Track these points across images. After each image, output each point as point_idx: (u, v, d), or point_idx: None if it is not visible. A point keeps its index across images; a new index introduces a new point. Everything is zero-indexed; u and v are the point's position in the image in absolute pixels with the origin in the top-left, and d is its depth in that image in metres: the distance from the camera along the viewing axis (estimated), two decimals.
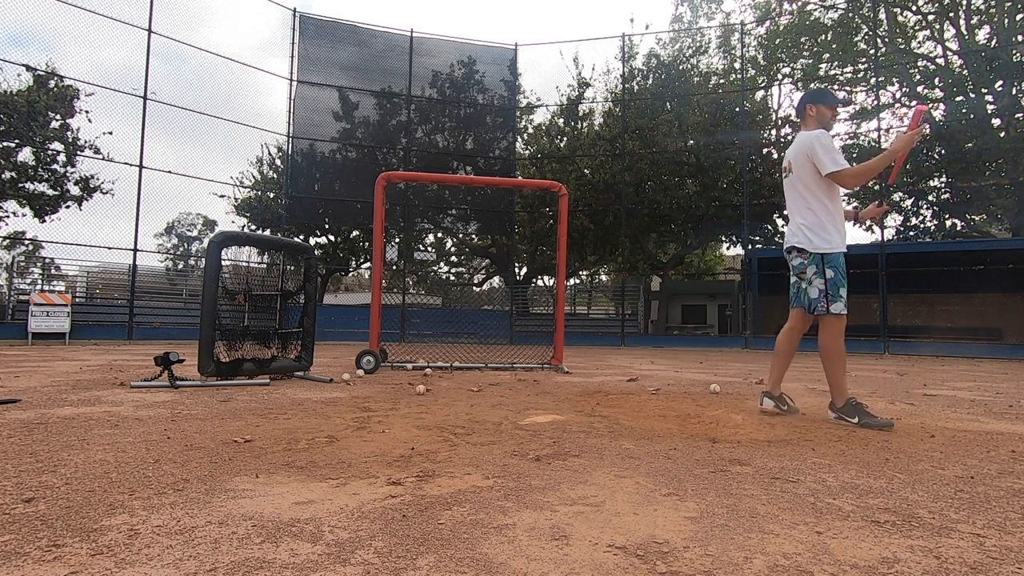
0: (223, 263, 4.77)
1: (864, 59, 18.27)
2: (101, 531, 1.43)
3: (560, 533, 1.48)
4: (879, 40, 17.38)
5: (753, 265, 17.07)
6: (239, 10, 15.47)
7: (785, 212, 18.74)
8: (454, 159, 17.76)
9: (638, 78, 18.21)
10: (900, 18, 18.52)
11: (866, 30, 17.76)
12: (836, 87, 20.07)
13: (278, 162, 18.30)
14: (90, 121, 13.26)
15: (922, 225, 18.32)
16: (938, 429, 3.10)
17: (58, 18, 12.31)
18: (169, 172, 13.22)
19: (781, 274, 17.34)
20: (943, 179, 17.40)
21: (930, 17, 18.00)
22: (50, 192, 13.50)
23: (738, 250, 22.31)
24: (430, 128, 17.44)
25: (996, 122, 15.85)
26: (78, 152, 13.40)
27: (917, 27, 18.52)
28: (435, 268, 25.18)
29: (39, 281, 17.65)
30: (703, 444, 2.61)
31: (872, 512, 1.68)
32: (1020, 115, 15.05)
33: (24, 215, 13.74)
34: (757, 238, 20.17)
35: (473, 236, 21.88)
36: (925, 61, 18.01)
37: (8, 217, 13.81)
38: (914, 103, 18.52)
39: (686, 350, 14.11)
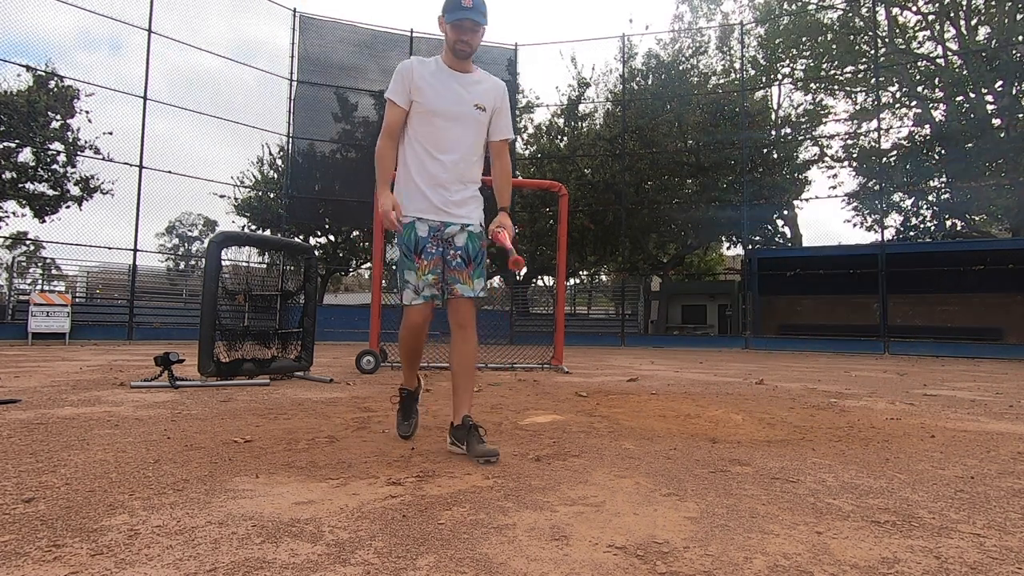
0: (223, 263, 4.77)
1: (864, 59, 18.28)
2: (101, 531, 1.43)
3: (560, 533, 1.48)
4: (879, 40, 17.38)
5: (753, 265, 17.07)
6: (239, 10, 15.43)
7: (785, 212, 18.50)
8: None
9: (638, 78, 18.21)
10: (900, 18, 18.52)
11: (866, 31, 17.77)
12: (836, 87, 20.12)
13: (278, 162, 18.29)
14: (90, 121, 13.25)
15: (922, 225, 18.33)
16: (938, 429, 3.10)
17: (59, 18, 12.32)
18: (169, 172, 13.22)
19: (781, 274, 17.29)
20: (943, 179, 17.40)
21: (930, 17, 18.01)
22: (50, 192, 13.49)
23: (738, 250, 22.31)
24: None
25: (996, 122, 15.85)
26: (78, 152, 13.40)
27: (917, 27, 18.54)
28: None
29: (39, 281, 17.64)
30: (703, 444, 2.61)
31: (872, 512, 1.68)
32: (1020, 115, 15.04)
33: (24, 215, 13.75)
34: (757, 238, 20.17)
35: None
36: (925, 61, 18.02)
37: (8, 217, 13.81)
38: (913, 103, 18.56)
39: (686, 350, 14.11)
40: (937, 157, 17.08)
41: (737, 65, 19.11)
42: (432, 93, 2.34)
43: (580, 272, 24.46)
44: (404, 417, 2.61)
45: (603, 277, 27.46)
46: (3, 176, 12.79)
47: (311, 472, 2.03)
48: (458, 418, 2.37)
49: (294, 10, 15.50)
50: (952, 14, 17.17)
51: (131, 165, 12.96)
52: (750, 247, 18.54)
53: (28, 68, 12.66)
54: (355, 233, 18.96)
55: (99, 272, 18.38)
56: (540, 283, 24.28)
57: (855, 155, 19.16)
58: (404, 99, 2.36)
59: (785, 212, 20.04)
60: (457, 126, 2.36)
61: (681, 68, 18.16)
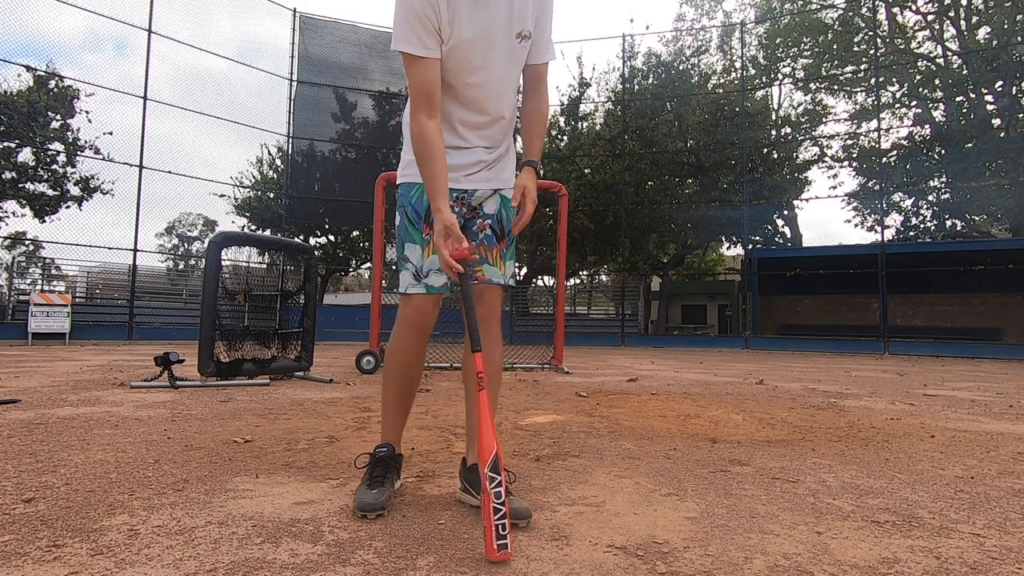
0: (223, 263, 4.77)
1: (864, 59, 18.28)
2: (101, 531, 1.43)
3: (560, 533, 1.48)
4: (879, 40, 17.38)
5: (753, 265, 17.07)
6: (239, 10, 15.46)
7: (785, 212, 18.44)
8: None
9: (638, 78, 18.21)
10: (900, 18, 18.53)
11: (866, 30, 17.78)
12: (836, 87, 20.12)
13: (278, 162, 18.30)
14: (90, 121, 13.26)
15: (922, 225, 18.33)
16: (938, 429, 3.10)
17: (61, 19, 12.32)
18: (169, 172, 13.22)
19: (781, 274, 17.29)
20: (943, 179, 17.41)
21: (930, 17, 18.01)
22: (50, 192, 13.48)
23: (738, 250, 22.30)
24: None
25: (996, 122, 15.86)
26: (78, 152, 13.40)
27: (917, 27, 18.55)
28: None
29: (39, 281, 17.64)
30: (703, 444, 2.61)
31: (872, 512, 1.68)
32: (1020, 115, 15.05)
33: (24, 215, 13.74)
34: (757, 238, 20.17)
35: None
36: (925, 61, 18.02)
37: (8, 217, 13.81)
38: (913, 103, 18.59)
39: (686, 350, 14.11)
40: (937, 157, 17.08)
41: (738, 65, 19.12)
42: (466, 15, 1.58)
43: (580, 272, 24.47)
44: (371, 484, 1.67)
45: (603, 277, 27.47)
46: (3, 176, 12.78)
47: (311, 472, 2.03)
48: (475, 455, 1.66)
49: (294, 10, 15.50)
50: (952, 14, 17.17)
51: (131, 165, 12.97)
52: (750, 247, 18.54)
53: (28, 68, 12.66)
54: (355, 233, 18.97)
55: (99, 272, 18.38)
56: (540, 283, 24.29)
57: (855, 155, 19.17)
58: (434, 41, 1.58)
59: (785, 212, 20.04)
60: (491, 63, 1.67)
61: (681, 68, 18.17)
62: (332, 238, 19.44)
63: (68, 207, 13.68)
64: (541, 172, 1.80)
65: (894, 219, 18.54)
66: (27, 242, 14.61)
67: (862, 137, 19.27)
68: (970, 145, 15.50)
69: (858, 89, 19.96)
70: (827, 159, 19.74)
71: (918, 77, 18.09)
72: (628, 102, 17.51)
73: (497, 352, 1.80)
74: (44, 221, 13.54)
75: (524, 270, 22.98)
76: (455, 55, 1.62)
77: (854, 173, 20.07)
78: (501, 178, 1.81)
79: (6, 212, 13.70)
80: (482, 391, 1.48)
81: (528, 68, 1.76)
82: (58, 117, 13.15)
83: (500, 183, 1.81)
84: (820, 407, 3.89)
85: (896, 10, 18.26)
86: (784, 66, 20.59)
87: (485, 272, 1.77)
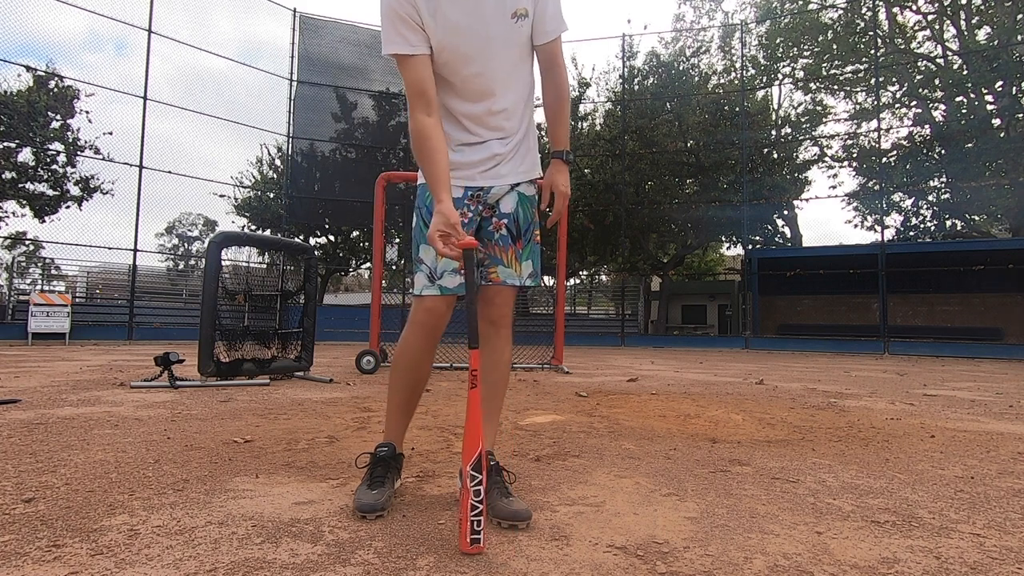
0: (223, 263, 4.77)
1: (864, 59, 18.29)
2: (101, 531, 1.43)
3: (560, 533, 1.48)
4: (879, 40, 17.38)
5: (753, 265, 17.07)
6: (239, 10, 15.47)
7: (785, 212, 18.44)
8: None
9: (638, 78, 18.22)
10: (900, 18, 18.53)
11: (866, 30, 17.78)
12: (836, 87, 20.11)
13: (278, 162, 18.30)
14: (90, 122, 13.26)
15: (922, 225, 18.33)
16: (938, 429, 3.10)
17: (61, 19, 12.32)
18: (169, 172, 13.23)
19: (781, 274, 17.26)
20: (943, 179, 17.41)
21: (930, 17, 18.01)
22: (50, 192, 13.48)
23: (738, 250, 22.30)
24: None
25: (996, 122, 15.86)
26: (78, 152, 13.40)
27: (917, 27, 18.55)
28: None
29: (39, 281, 17.65)
30: (703, 444, 2.61)
31: (872, 512, 1.68)
32: (1020, 115, 15.05)
33: (24, 215, 13.74)
34: (757, 238, 20.17)
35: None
36: (925, 61, 18.02)
37: (8, 217, 13.81)
38: (913, 103, 18.60)
39: (686, 350, 14.11)
40: (937, 157, 17.09)
41: (738, 65, 19.12)
42: (447, 4, 1.54)
43: (580, 272, 24.47)
44: (371, 484, 1.65)
45: (603, 277, 27.46)
46: (3, 176, 12.78)
47: (311, 472, 2.03)
48: None
49: (294, 10, 15.50)
50: (952, 14, 17.17)
51: (131, 165, 12.97)
52: (750, 247, 18.54)
53: (28, 68, 12.66)
54: (355, 233, 18.97)
55: (99, 272, 18.39)
56: (540, 283, 24.28)
57: (855, 155, 19.17)
58: (419, 37, 1.56)
59: (785, 212, 20.04)
60: (486, 51, 1.61)
61: (681, 68, 18.17)
62: (332, 238, 19.45)
63: (68, 207, 13.68)
64: (571, 159, 1.78)
65: (894, 219, 18.56)
66: (27, 242, 14.61)
67: (862, 137, 19.29)
68: (970, 145, 15.51)
69: (858, 89, 19.96)
70: (827, 159, 19.76)
71: (918, 77, 18.08)
72: (628, 102, 17.51)
73: (506, 354, 1.78)
74: (44, 221, 13.55)
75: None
76: (446, 48, 1.58)
77: (854, 173, 20.08)
78: (519, 170, 1.75)
79: (6, 212, 13.70)
80: (474, 389, 1.45)
81: (537, 49, 1.70)
82: (58, 117, 13.15)
83: (519, 175, 1.76)
84: (820, 407, 3.89)
85: (896, 10, 18.26)
86: (784, 66, 20.59)
87: (500, 274, 1.74)
